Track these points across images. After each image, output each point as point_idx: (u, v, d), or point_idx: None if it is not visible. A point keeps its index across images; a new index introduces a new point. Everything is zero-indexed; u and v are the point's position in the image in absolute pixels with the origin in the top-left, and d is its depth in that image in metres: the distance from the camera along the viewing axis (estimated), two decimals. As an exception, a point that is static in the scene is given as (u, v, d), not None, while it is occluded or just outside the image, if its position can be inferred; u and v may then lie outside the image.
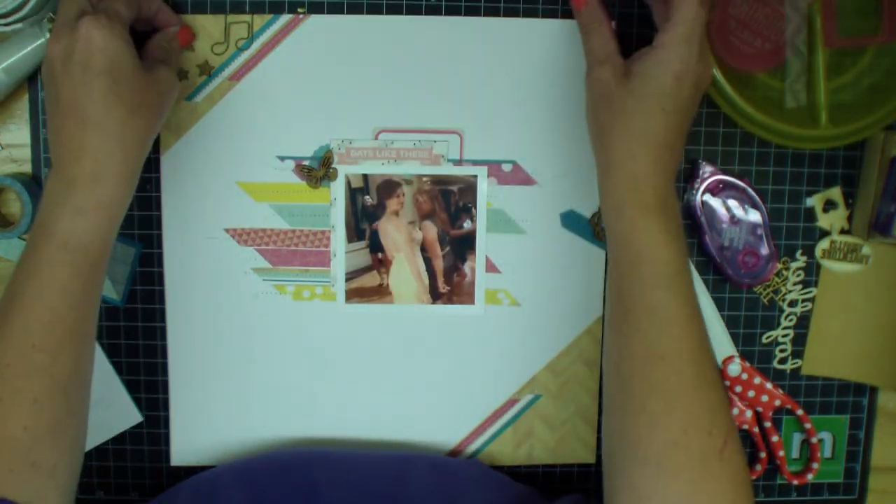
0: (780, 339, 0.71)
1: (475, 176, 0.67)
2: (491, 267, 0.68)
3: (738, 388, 0.70)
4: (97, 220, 0.52)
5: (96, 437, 0.67)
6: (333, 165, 0.66)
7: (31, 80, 0.64)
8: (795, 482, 0.72)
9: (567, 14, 0.66)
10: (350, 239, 0.67)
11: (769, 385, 0.70)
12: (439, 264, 0.68)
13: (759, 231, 0.68)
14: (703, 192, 0.67)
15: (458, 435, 0.70)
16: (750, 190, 0.67)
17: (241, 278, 0.67)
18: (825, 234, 0.70)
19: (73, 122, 0.52)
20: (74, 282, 0.52)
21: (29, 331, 0.50)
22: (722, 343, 0.70)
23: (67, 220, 0.51)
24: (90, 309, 0.54)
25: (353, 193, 0.67)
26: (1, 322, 0.51)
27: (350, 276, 0.68)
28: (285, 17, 0.65)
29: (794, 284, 0.70)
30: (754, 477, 0.71)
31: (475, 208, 0.67)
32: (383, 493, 0.61)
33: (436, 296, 0.68)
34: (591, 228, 0.68)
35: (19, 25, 0.58)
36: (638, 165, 0.54)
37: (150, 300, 0.67)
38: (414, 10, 0.65)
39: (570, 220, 0.68)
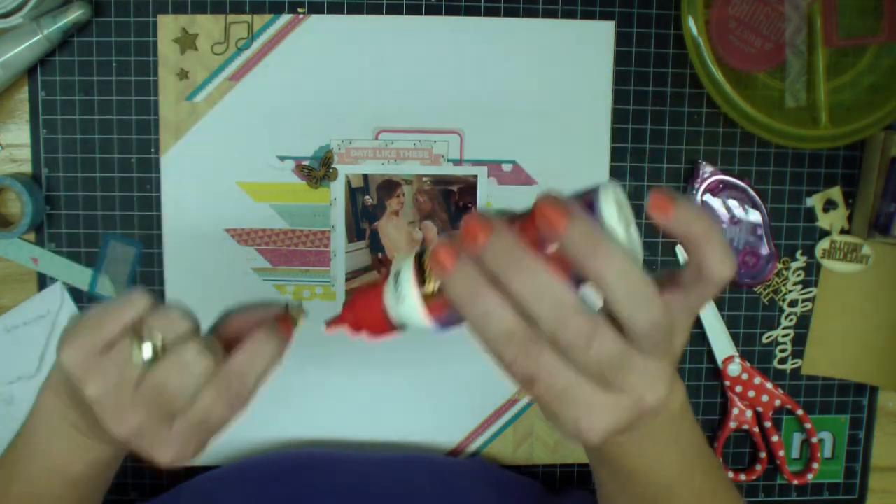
0: (780, 339, 0.71)
1: (475, 176, 0.67)
2: (491, 267, 0.68)
3: (738, 388, 0.70)
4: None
5: (96, 437, 0.67)
6: (333, 165, 0.66)
7: (32, 79, 0.64)
8: (795, 482, 0.72)
9: (567, 14, 0.66)
10: (350, 239, 0.67)
11: (769, 385, 0.70)
12: (439, 264, 0.68)
13: (759, 231, 0.68)
14: (703, 192, 0.67)
15: (459, 435, 0.70)
16: (750, 190, 0.67)
17: (241, 278, 0.67)
18: (825, 234, 0.70)
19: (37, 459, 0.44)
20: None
21: None
22: (722, 343, 0.70)
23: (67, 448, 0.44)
24: None
25: (353, 193, 0.67)
26: None
27: (350, 276, 0.68)
28: (285, 17, 0.65)
29: (794, 284, 0.70)
30: (754, 477, 0.71)
31: (475, 208, 0.67)
32: (386, 496, 0.61)
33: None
34: (591, 228, 0.68)
35: (19, 20, 0.58)
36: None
37: (150, 300, 0.67)
38: (414, 10, 0.65)
39: (570, 220, 0.68)
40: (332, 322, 0.37)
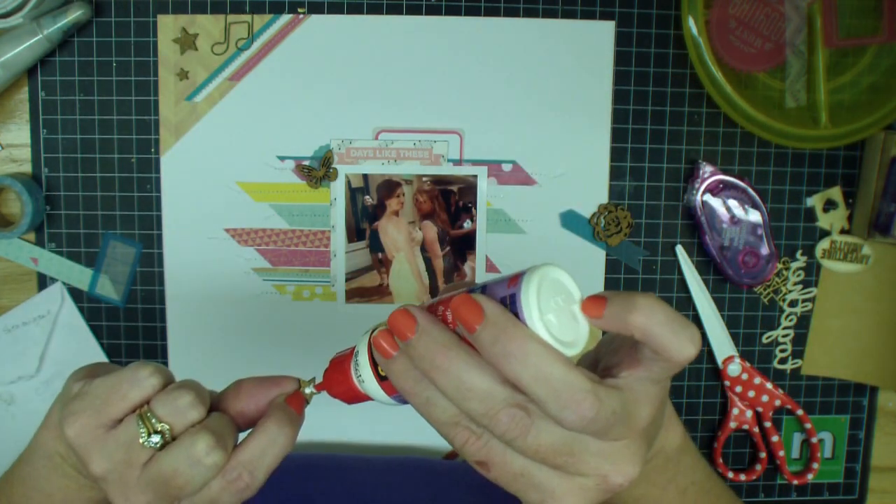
0: (780, 339, 0.71)
1: (475, 176, 0.67)
2: (491, 267, 0.68)
3: (738, 388, 0.70)
4: None
5: (96, 437, 0.67)
6: (333, 165, 0.66)
7: (32, 79, 0.64)
8: (795, 482, 0.72)
9: (567, 14, 0.66)
10: (350, 239, 0.67)
11: (769, 385, 0.70)
12: (439, 264, 0.68)
13: (759, 231, 0.68)
14: (703, 192, 0.67)
15: (458, 435, 0.70)
16: (750, 190, 0.67)
17: (241, 278, 0.67)
18: (825, 234, 0.70)
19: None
20: None
21: None
22: (722, 343, 0.70)
23: None
24: None
25: (353, 193, 0.67)
26: None
27: (350, 276, 0.68)
28: (285, 17, 0.65)
29: (795, 284, 0.70)
30: (754, 477, 0.71)
31: (475, 208, 0.67)
32: (380, 500, 0.61)
33: (436, 296, 0.68)
34: (591, 228, 0.68)
35: (19, 21, 0.58)
36: None
37: (150, 300, 0.67)
38: (414, 10, 0.65)
39: (570, 220, 0.68)
40: (317, 386, 0.39)
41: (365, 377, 0.36)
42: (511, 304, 0.31)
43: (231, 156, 0.66)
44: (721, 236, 0.68)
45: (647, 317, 0.30)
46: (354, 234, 0.67)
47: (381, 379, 0.35)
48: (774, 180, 0.69)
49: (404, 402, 0.35)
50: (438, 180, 0.67)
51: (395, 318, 0.33)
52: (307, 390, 0.40)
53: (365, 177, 0.67)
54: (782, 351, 0.71)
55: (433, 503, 0.61)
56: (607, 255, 0.69)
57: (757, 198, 0.67)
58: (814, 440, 0.71)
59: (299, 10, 0.65)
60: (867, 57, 0.67)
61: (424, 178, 0.67)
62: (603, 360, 0.35)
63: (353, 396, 0.37)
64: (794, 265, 0.70)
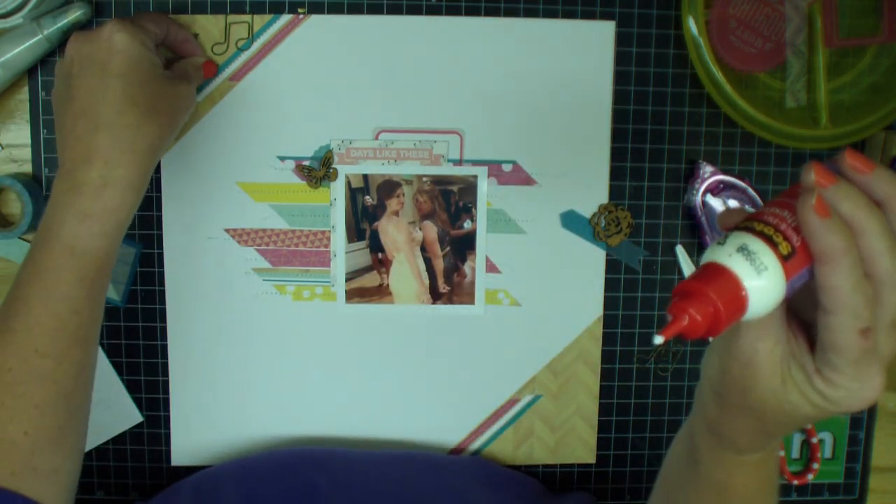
0: (781, 339, 0.71)
1: (475, 176, 0.67)
2: (491, 267, 0.68)
3: (739, 388, 0.70)
4: (103, 226, 0.51)
5: (96, 437, 0.67)
6: (333, 165, 0.66)
7: (32, 79, 0.64)
8: (796, 482, 0.72)
9: (567, 14, 0.66)
10: (350, 239, 0.67)
11: (769, 385, 0.70)
12: (439, 264, 0.68)
13: (760, 231, 0.68)
14: (703, 192, 0.67)
15: (459, 435, 0.70)
16: (750, 190, 0.67)
17: (241, 278, 0.67)
18: (825, 234, 0.70)
19: (85, 123, 0.51)
20: (78, 288, 0.51)
21: (32, 336, 0.50)
22: (722, 343, 0.70)
23: (73, 224, 0.51)
24: (94, 314, 0.53)
25: (353, 193, 0.67)
26: (4, 326, 0.51)
27: (350, 276, 0.68)
28: (285, 17, 0.65)
29: (795, 284, 0.70)
30: (754, 477, 0.71)
31: (475, 208, 0.67)
32: (384, 493, 0.61)
33: (436, 296, 0.68)
34: (591, 228, 0.68)
35: (19, 21, 0.58)
36: None
37: (150, 300, 0.67)
38: (414, 10, 0.65)
39: (570, 220, 0.68)
40: (673, 327, 0.35)
41: (768, 263, 0.35)
42: None
43: (231, 156, 0.66)
44: (721, 236, 0.68)
45: None
46: (354, 234, 0.67)
47: (784, 261, 0.35)
48: (774, 180, 0.69)
49: (791, 290, 0.36)
50: (438, 180, 0.67)
51: (852, 156, 0.37)
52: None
53: (365, 177, 0.67)
54: (782, 351, 0.71)
55: (438, 496, 0.61)
56: (607, 255, 0.69)
57: (757, 198, 0.67)
58: (814, 440, 0.71)
59: (299, 10, 0.65)
60: (867, 57, 0.67)
61: (424, 179, 0.67)
62: None
63: (733, 308, 0.35)
64: (795, 265, 0.70)
